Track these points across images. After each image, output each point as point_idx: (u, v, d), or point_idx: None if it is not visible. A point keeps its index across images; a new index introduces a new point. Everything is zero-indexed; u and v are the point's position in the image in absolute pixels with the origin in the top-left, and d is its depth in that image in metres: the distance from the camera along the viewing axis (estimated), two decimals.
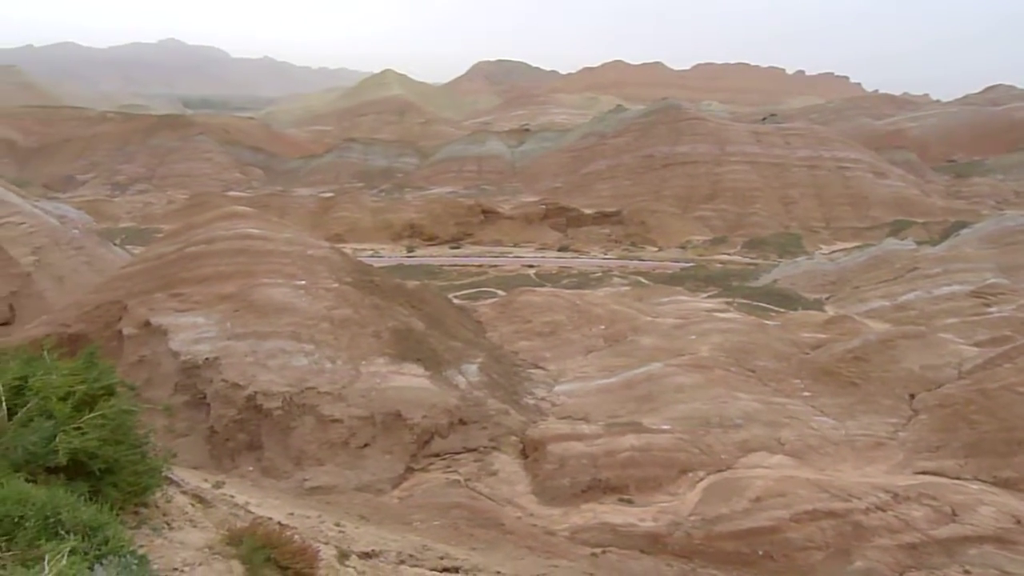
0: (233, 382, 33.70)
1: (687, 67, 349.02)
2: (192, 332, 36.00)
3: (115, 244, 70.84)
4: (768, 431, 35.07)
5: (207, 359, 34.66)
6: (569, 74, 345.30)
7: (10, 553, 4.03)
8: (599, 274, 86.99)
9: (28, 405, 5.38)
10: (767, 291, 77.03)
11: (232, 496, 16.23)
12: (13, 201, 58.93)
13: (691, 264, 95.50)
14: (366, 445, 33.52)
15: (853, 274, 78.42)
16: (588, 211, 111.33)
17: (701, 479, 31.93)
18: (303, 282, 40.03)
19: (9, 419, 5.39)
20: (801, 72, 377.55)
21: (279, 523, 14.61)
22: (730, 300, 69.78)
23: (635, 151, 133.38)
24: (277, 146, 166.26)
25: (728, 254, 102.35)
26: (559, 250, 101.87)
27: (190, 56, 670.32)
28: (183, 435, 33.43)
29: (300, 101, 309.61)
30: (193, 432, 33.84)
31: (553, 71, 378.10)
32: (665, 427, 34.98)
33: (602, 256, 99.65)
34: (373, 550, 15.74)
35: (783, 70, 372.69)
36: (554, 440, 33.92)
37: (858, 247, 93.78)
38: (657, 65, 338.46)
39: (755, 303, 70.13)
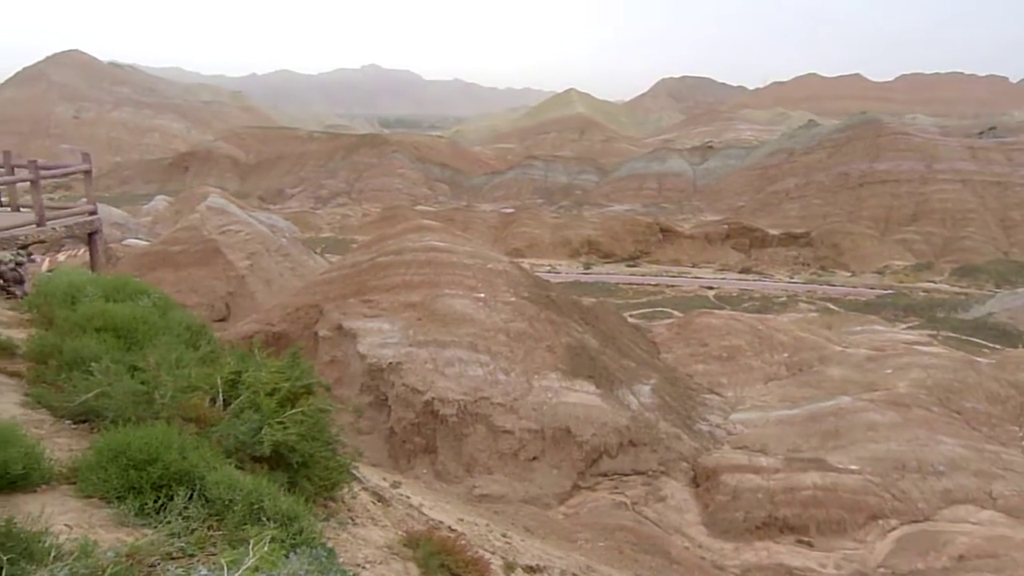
0: (413, 387, 35.42)
1: (890, 78, 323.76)
2: (379, 337, 38.29)
3: (316, 252, 77.19)
4: (977, 482, 31.43)
5: (391, 363, 36.70)
6: (757, 89, 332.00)
7: (220, 533, 4.41)
8: (784, 299, 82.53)
9: (240, 398, 5.90)
10: (980, 324, 69.28)
11: (408, 497, 16.96)
12: (234, 212, 66.01)
13: (889, 291, 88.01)
14: (535, 458, 33.91)
15: None
16: (774, 232, 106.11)
17: (893, 528, 29.22)
18: (482, 294, 41.34)
19: (224, 409, 5.94)
20: None
21: (450, 527, 15.06)
22: (934, 332, 63.55)
23: (828, 169, 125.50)
24: (463, 163, 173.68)
25: (933, 282, 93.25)
26: (741, 272, 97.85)
27: (388, 79, 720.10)
28: (366, 433, 35.60)
29: (486, 120, 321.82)
30: (374, 431, 35.94)
31: (740, 86, 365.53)
32: (853, 467, 32.39)
33: (788, 280, 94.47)
34: (538, 565, 15.80)
35: (1005, 79, 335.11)
36: (728, 470, 32.49)
37: None
38: (855, 77, 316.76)
39: (965, 337, 63.34)
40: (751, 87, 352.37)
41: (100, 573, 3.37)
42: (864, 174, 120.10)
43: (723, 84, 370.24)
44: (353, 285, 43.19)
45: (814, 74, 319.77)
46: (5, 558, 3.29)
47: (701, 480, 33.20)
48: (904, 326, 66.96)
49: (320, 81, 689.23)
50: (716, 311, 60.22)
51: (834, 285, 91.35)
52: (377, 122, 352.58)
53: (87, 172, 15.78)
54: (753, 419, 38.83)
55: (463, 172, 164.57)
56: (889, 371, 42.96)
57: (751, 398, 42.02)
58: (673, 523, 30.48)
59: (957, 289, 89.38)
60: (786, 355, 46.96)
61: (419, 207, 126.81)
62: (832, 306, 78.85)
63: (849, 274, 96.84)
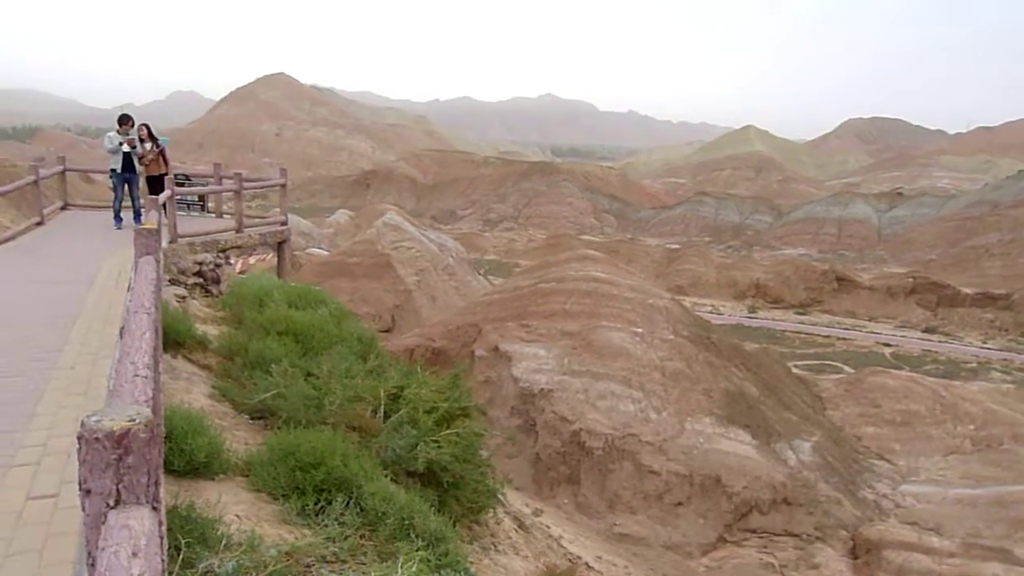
0: (562, 415, 35.38)
1: None
2: (533, 362, 38.65)
3: (480, 273, 79.52)
4: None
5: (543, 389, 36.91)
6: (959, 134, 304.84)
7: (371, 543, 4.54)
8: (974, 365, 74.72)
9: (400, 412, 6.11)
10: None
11: (548, 527, 16.85)
12: (408, 229, 69.51)
13: None
14: (680, 504, 32.72)
15: None
16: (968, 290, 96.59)
17: None
18: (641, 330, 40.70)
19: (384, 421, 6.17)
20: None
21: (587, 564, 14.77)
22: None
23: None
24: (631, 195, 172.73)
25: None
26: (924, 331, 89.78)
27: (563, 109, 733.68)
28: (511, 457, 35.90)
29: (658, 153, 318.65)
30: (520, 455, 36.17)
31: (939, 131, 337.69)
32: None
33: (980, 344, 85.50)
34: None
35: None
36: (894, 547, 29.68)
37: None
38: None
39: None
40: (952, 131, 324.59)
41: (263, 568, 3.57)
42: None
43: (919, 127, 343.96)
44: (513, 309, 43.98)
45: None
46: (183, 541, 3.57)
47: (861, 552, 30.54)
48: None
49: (499, 108, 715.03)
50: (893, 371, 55.52)
51: None
52: (550, 150, 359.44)
53: (283, 186, 17.26)
54: (927, 494, 35.29)
55: (631, 204, 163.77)
56: None
57: (927, 470, 38.26)
58: None
59: None
60: (972, 428, 42.38)
61: (584, 236, 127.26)
62: None
63: None
